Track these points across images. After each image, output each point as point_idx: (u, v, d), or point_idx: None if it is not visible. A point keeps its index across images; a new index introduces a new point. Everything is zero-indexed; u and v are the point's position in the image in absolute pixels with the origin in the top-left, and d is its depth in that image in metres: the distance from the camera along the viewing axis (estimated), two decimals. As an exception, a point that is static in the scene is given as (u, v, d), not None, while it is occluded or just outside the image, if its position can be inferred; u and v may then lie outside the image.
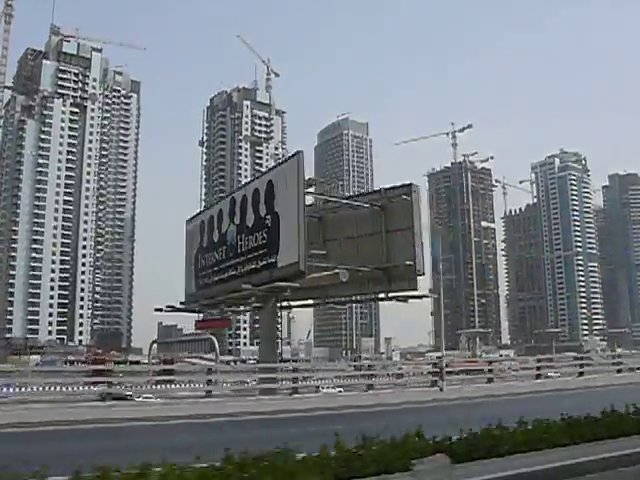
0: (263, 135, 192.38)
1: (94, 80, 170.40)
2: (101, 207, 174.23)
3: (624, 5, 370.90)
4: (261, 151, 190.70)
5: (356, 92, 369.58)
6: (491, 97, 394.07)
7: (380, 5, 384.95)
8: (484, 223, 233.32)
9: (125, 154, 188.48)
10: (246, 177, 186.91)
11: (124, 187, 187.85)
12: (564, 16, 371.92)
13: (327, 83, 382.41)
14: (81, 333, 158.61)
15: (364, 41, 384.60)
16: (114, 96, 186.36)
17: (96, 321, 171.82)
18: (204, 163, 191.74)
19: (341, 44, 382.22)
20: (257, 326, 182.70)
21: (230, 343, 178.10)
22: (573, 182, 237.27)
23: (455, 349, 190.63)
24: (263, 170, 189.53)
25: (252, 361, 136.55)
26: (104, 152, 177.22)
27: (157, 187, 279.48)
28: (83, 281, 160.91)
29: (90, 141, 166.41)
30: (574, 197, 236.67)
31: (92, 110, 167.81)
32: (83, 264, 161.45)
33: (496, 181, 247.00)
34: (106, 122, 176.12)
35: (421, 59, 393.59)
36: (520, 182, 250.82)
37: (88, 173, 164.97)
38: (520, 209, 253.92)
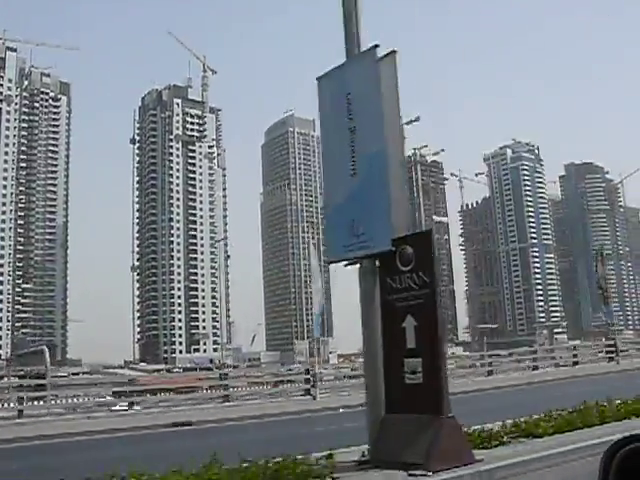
0: (195, 134, 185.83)
1: (9, 81, 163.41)
2: (23, 213, 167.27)
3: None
4: (194, 150, 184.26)
5: (304, 87, 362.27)
6: (445, 86, 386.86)
7: None
8: (436, 217, 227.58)
9: (55, 158, 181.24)
10: (178, 177, 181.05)
11: (54, 192, 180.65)
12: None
13: (276, 78, 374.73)
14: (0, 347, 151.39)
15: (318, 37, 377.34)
16: (41, 98, 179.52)
17: (24, 331, 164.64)
18: (136, 164, 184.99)
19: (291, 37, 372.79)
20: (193, 332, 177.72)
21: (165, 351, 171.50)
22: (526, 172, 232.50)
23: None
24: (195, 169, 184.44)
25: (178, 370, 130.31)
26: (30, 156, 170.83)
27: (92, 191, 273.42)
28: (1, 292, 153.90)
29: (6, 144, 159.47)
30: (527, 187, 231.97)
31: (7, 112, 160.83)
32: (1, 273, 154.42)
33: (451, 174, 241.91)
34: (26, 125, 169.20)
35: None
36: (476, 175, 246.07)
37: (5, 178, 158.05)
38: (477, 202, 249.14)
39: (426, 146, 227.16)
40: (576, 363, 39.53)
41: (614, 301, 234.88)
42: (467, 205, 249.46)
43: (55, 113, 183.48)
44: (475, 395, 25.84)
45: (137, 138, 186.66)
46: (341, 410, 22.86)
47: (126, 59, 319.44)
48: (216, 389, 29.88)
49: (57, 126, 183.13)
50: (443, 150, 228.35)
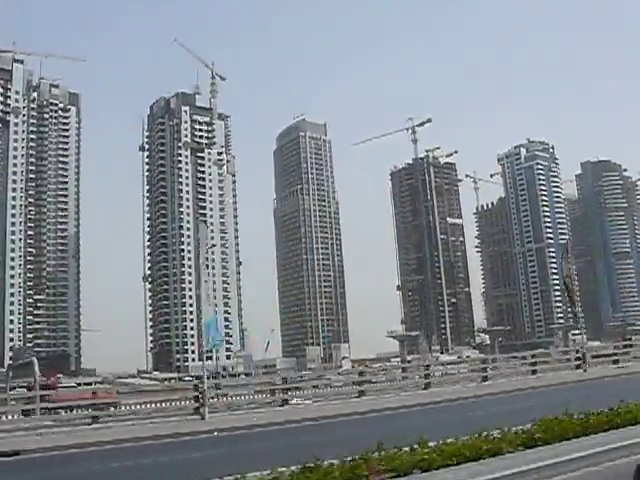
0: (204, 141, 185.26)
1: (17, 93, 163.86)
2: (34, 224, 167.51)
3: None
4: (203, 157, 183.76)
5: (315, 92, 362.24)
6: (454, 88, 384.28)
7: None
8: (450, 219, 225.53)
9: (65, 168, 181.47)
10: (187, 185, 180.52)
11: (65, 202, 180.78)
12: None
13: (287, 85, 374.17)
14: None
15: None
16: (51, 109, 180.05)
17: (38, 342, 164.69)
18: (146, 172, 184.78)
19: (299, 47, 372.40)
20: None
21: (177, 359, 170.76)
22: (540, 172, 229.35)
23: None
24: (204, 176, 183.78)
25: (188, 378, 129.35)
26: (40, 167, 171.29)
27: (104, 200, 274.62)
28: (12, 303, 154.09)
29: (15, 156, 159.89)
30: (542, 187, 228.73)
31: (16, 124, 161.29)
32: (12, 285, 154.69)
33: (466, 175, 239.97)
34: (35, 136, 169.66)
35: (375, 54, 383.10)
36: (491, 175, 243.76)
37: (14, 190, 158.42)
38: (492, 203, 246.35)
39: (439, 148, 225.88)
40: (534, 372, 37.06)
41: (632, 300, 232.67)
42: (482, 206, 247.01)
43: (64, 124, 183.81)
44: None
45: (146, 146, 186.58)
46: (215, 433, 20.29)
47: (135, 68, 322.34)
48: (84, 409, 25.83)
49: (67, 137, 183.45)
50: (456, 152, 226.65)
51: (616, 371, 34.87)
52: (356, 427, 20.35)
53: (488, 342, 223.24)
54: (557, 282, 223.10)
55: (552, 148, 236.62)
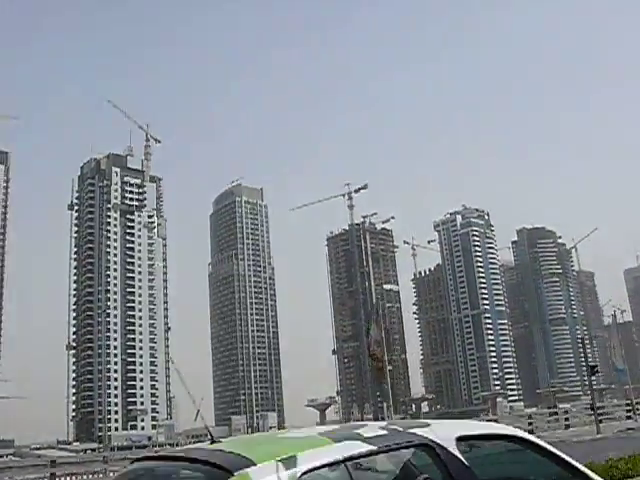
0: (135, 203, 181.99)
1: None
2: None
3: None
4: (132, 220, 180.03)
5: (252, 157, 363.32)
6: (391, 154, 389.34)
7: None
8: (387, 286, 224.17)
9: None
10: (116, 247, 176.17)
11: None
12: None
13: (224, 149, 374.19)
14: None
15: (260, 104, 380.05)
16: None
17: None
18: (74, 234, 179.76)
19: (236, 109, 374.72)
20: (130, 408, 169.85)
21: (100, 428, 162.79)
22: (476, 238, 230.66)
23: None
24: (133, 239, 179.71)
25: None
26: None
27: (31, 262, 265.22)
28: None
29: None
30: (478, 253, 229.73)
31: None
32: None
33: (404, 242, 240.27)
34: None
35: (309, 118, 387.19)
36: (429, 242, 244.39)
37: None
38: (430, 270, 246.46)
39: (375, 213, 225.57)
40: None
41: (568, 365, 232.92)
42: (420, 273, 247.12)
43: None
44: None
45: (76, 207, 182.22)
46: None
47: (70, 129, 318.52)
48: None
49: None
50: (393, 217, 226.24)
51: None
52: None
53: (427, 410, 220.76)
54: (494, 348, 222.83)
55: (487, 215, 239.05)
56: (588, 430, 37.19)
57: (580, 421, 45.56)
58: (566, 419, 44.90)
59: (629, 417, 45.70)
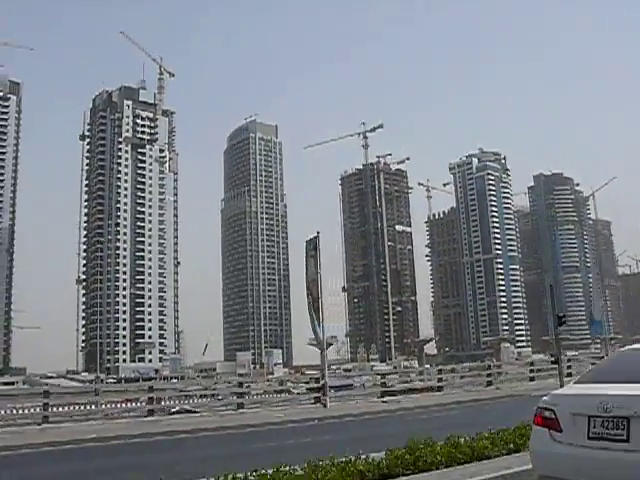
0: (146, 137, 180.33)
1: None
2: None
3: None
4: (144, 153, 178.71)
5: (267, 92, 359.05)
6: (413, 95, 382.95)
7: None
8: (399, 227, 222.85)
9: (2, 159, 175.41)
10: (126, 181, 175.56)
11: (0, 195, 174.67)
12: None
13: (240, 85, 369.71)
14: None
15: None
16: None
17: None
18: (85, 167, 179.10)
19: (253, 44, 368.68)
20: (138, 341, 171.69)
21: (108, 360, 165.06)
22: (491, 182, 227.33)
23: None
24: (144, 173, 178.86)
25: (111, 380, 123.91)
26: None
27: (43, 193, 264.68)
28: None
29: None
30: (493, 198, 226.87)
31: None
32: None
33: (419, 184, 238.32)
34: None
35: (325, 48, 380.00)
36: (444, 185, 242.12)
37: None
38: (444, 212, 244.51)
39: (390, 154, 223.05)
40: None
41: (579, 314, 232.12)
42: (434, 215, 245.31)
43: (3, 113, 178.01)
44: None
45: (87, 140, 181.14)
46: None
47: (83, 61, 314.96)
48: None
49: (5, 126, 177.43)
50: (408, 159, 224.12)
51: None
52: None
53: (435, 352, 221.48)
54: (504, 294, 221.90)
55: (504, 159, 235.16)
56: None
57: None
58: (569, 367, 44.05)
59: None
